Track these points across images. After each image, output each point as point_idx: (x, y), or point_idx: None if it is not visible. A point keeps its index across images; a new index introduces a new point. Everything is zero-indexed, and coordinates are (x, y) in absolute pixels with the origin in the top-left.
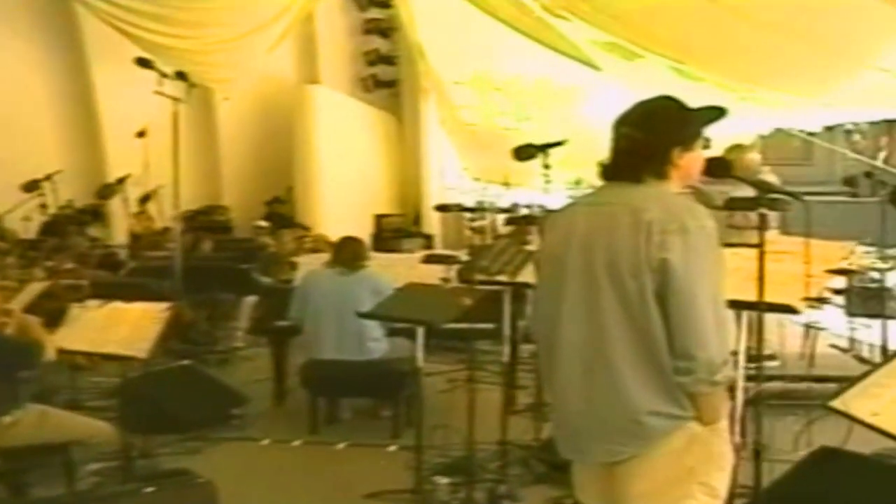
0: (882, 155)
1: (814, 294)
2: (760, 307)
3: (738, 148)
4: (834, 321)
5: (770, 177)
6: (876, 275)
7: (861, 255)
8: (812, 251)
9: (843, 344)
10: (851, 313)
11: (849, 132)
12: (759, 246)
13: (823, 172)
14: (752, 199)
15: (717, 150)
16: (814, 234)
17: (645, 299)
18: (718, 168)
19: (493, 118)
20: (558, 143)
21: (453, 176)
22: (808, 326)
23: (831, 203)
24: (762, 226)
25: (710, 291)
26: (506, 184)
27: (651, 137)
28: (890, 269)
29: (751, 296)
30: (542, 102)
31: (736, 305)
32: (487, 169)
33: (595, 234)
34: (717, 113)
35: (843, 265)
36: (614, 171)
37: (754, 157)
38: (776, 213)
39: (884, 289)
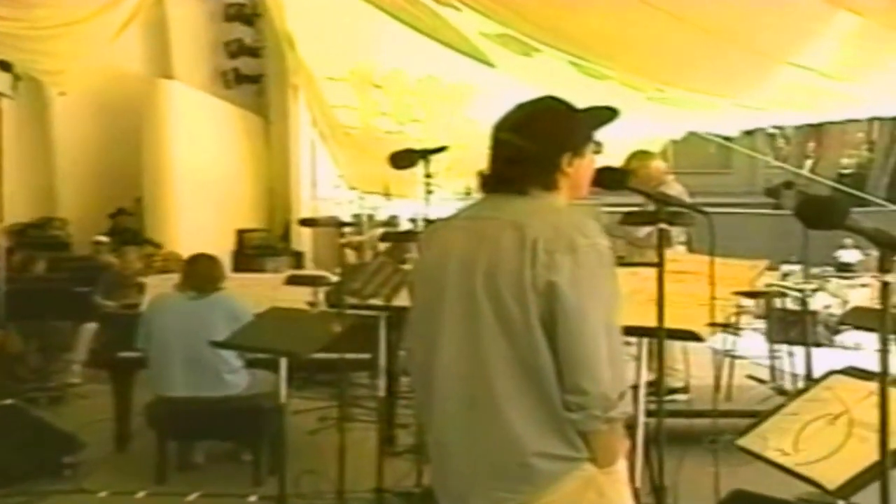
0: (808, 163)
1: (720, 319)
2: (660, 334)
3: (641, 155)
4: (755, 348)
5: (675, 187)
6: (809, 297)
7: (784, 275)
8: (718, 271)
9: (764, 374)
10: (773, 340)
11: (772, 137)
12: (658, 265)
13: (744, 182)
14: (649, 212)
15: (619, 157)
16: (733, 251)
17: (530, 327)
18: (611, 178)
19: (372, 120)
20: (441, 149)
21: (327, 185)
22: (723, 355)
23: (752, 216)
24: (661, 243)
25: (603, 317)
26: (387, 194)
27: (535, 143)
28: (815, 291)
29: (650, 321)
30: (428, 102)
31: (634, 332)
32: (366, 177)
33: (475, 254)
34: (609, 114)
35: (760, 286)
36: (495, 181)
37: (659, 165)
38: (682, 229)
39: (807, 313)
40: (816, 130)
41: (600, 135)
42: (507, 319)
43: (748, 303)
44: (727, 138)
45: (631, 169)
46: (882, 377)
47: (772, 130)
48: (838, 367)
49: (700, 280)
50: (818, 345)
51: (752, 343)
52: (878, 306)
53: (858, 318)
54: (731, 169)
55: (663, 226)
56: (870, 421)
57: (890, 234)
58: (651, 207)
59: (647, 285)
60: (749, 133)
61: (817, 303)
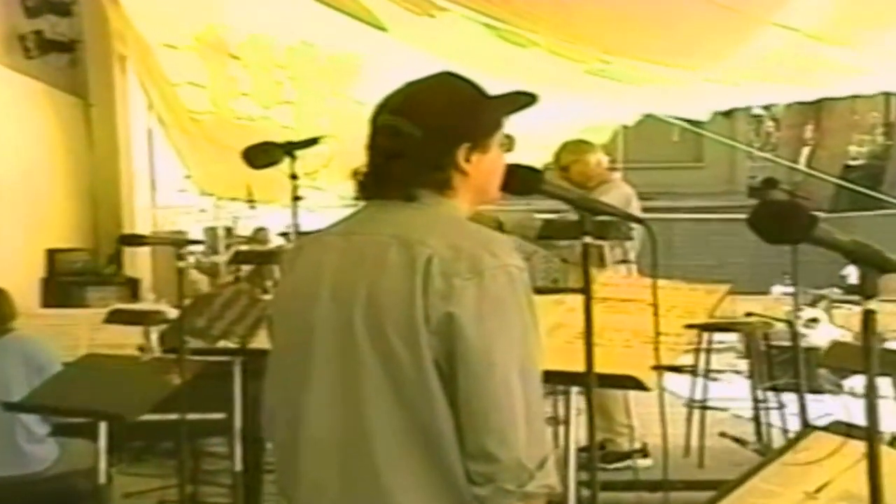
0: (805, 151)
1: (667, 360)
2: (588, 380)
3: (574, 147)
4: (740, 396)
5: (620, 189)
6: (802, 330)
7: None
8: (666, 298)
9: (748, 430)
10: (759, 386)
11: (757, 120)
12: (584, 291)
13: (720, 179)
14: (570, 223)
15: (548, 150)
16: (707, 268)
17: (423, 373)
18: (519, 179)
19: (227, 101)
20: (313, 141)
21: (171, 190)
22: (695, 406)
23: (732, 223)
24: (585, 261)
25: (516, 360)
26: (251, 200)
27: (422, 130)
28: (813, 321)
29: (580, 364)
30: (301, 79)
31: (559, 379)
32: (222, 178)
33: (351, 280)
34: (524, 100)
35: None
36: (375, 183)
37: (599, 159)
38: (633, 243)
39: (805, 350)
40: (815, 110)
41: (520, 125)
42: (394, 364)
43: (729, 339)
44: (696, 123)
45: (563, 165)
46: (870, 434)
47: (757, 111)
48: (822, 421)
49: (644, 310)
50: (819, 391)
51: (736, 389)
52: (859, 341)
53: (837, 358)
54: (703, 162)
55: (588, 240)
56: (861, 493)
57: (872, 249)
58: (574, 216)
59: (575, 318)
60: (726, 115)
61: (819, 336)
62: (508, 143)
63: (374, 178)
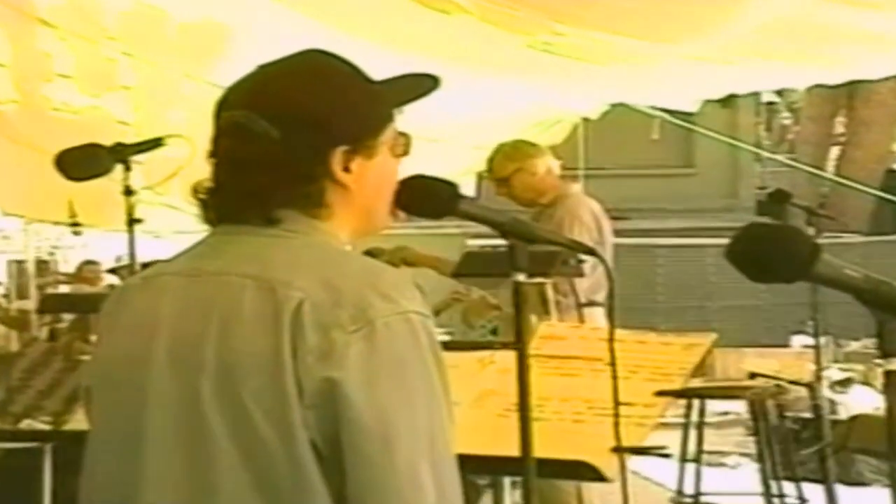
0: (834, 152)
1: (633, 440)
2: (526, 466)
3: (513, 151)
4: (749, 486)
5: (581, 207)
6: (830, 396)
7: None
8: (629, 354)
9: None
10: (771, 474)
11: (769, 109)
12: (518, 347)
13: (717, 189)
14: (493, 255)
15: (479, 154)
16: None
17: (297, 462)
18: (423, 196)
19: (39, 86)
20: (158, 142)
21: None
22: (685, 500)
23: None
24: (518, 308)
25: (425, 441)
26: (74, 224)
27: (286, 131)
28: (846, 384)
29: (514, 447)
30: (143, 56)
31: (485, 465)
32: (33, 193)
33: (196, 336)
34: (422, 84)
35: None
36: (223, 202)
37: (549, 165)
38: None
39: (834, 423)
40: (846, 97)
41: (434, 119)
42: (257, 451)
43: (736, 408)
44: (683, 115)
45: (501, 177)
46: None
47: (769, 98)
48: None
49: (601, 371)
50: (857, 482)
51: (743, 478)
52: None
53: (864, 435)
54: (694, 168)
55: (522, 277)
56: None
57: (892, 287)
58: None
59: (508, 382)
60: (725, 105)
61: (854, 403)
62: (404, 145)
63: (220, 196)
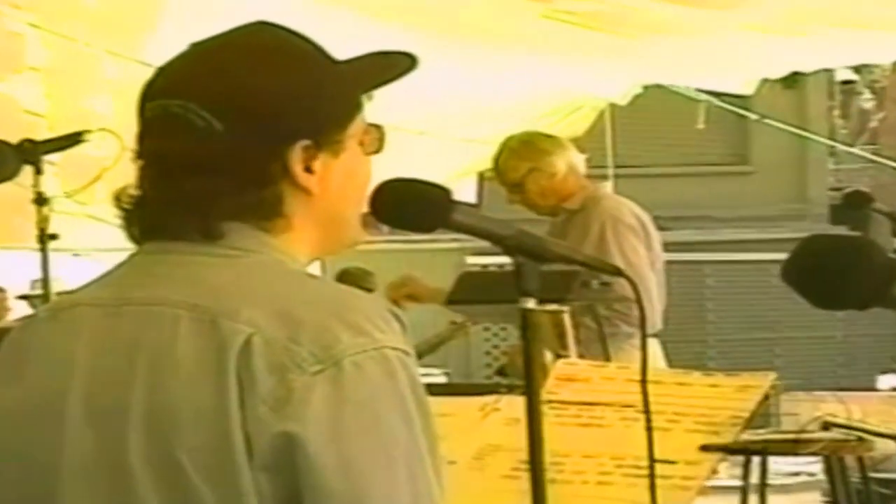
0: None
1: None
2: None
3: (525, 147)
4: None
5: (615, 214)
6: None
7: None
8: (674, 399)
9: None
10: None
11: (846, 90)
12: (528, 391)
13: (781, 191)
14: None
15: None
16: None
17: None
18: (406, 204)
19: None
20: (76, 138)
21: None
22: None
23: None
24: (526, 340)
25: None
26: None
27: (231, 123)
28: None
29: None
30: (56, 29)
31: None
32: None
33: (119, 383)
34: (395, 64)
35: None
36: (152, 214)
37: (571, 163)
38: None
39: None
40: None
41: (422, 106)
42: None
43: (808, 467)
44: (735, 99)
45: (512, 181)
46: None
47: (845, 76)
48: None
49: (633, 421)
50: None
51: None
52: None
53: None
54: (751, 165)
55: (530, 304)
56: None
57: None
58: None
59: (516, 435)
60: (789, 86)
61: None
62: (377, 140)
63: (149, 206)
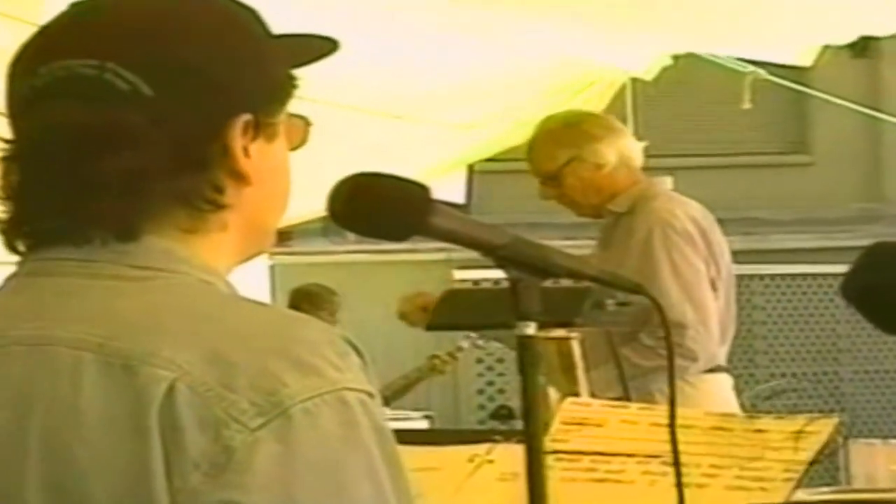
0: None
1: None
2: None
3: (564, 130)
4: None
5: (677, 214)
6: None
7: None
8: (712, 446)
9: None
10: None
11: None
12: (526, 437)
13: (848, 188)
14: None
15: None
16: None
17: None
18: (363, 207)
19: None
20: None
21: None
22: None
23: None
24: (525, 374)
25: None
26: None
27: (166, 87)
28: None
29: None
30: None
31: None
32: None
33: (4, 441)
34: (317, 47)
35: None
36: (44, 215)
37: (626, 151)
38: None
39: None
40: None
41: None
42: None
43: None
44: (788, 72)
45: (547, 172)
46: None
47: None
48: None
49: (660, 476)
50: None
51: None
52: None
53: None
54: (812, 154)
55: (529, 330)
56: None
57: None
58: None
59: (513, 493)
60: (859, 54)
61: None
62: (302, 129)
63: (38, 203)
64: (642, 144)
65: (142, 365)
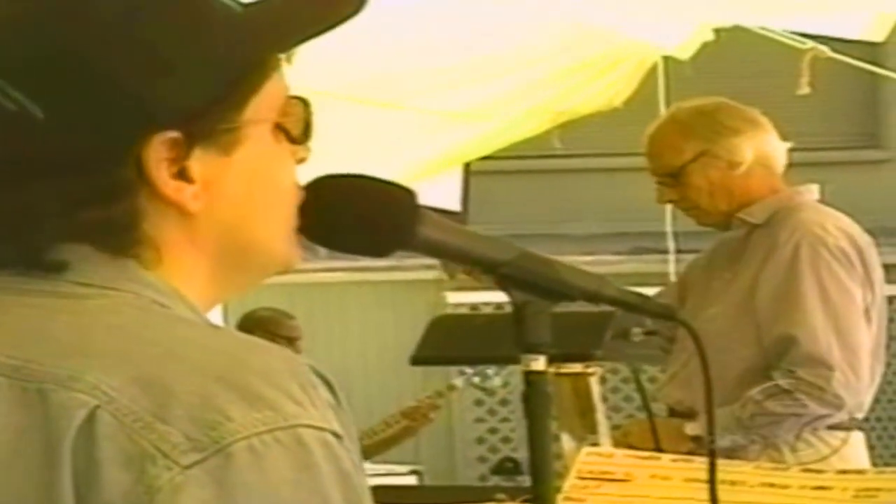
0: None
1: None
2: None
3: (697, 116)
4: None
5: (828, 230)
6: None
7: None
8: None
9: None
10: None
11: None
12: (535, 496)
13: None
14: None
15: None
16: None
17: None
18: (336, 217)
19: None
20: None
21: None
22: None
23: None
24: (532, 421)
25: None
26: None
27: (59, 106)
28: None
29: None
30: None
31: None
32: None
33: None
34: (332, 7)
35: None
36: None
37: (760, 149)
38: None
39: None
40: None
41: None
42: None
43: None
44: (856, 49)
45: (669, 168)
46: None
47: None
48: None
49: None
50: None
51: None
52: None
53: None
54: (887, 148)
55: (537, 364)
56: None
57: None
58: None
59: None
60: None
61: None
62: (303, 121)
63: None
64: (787, 145)
65: (60, 390)
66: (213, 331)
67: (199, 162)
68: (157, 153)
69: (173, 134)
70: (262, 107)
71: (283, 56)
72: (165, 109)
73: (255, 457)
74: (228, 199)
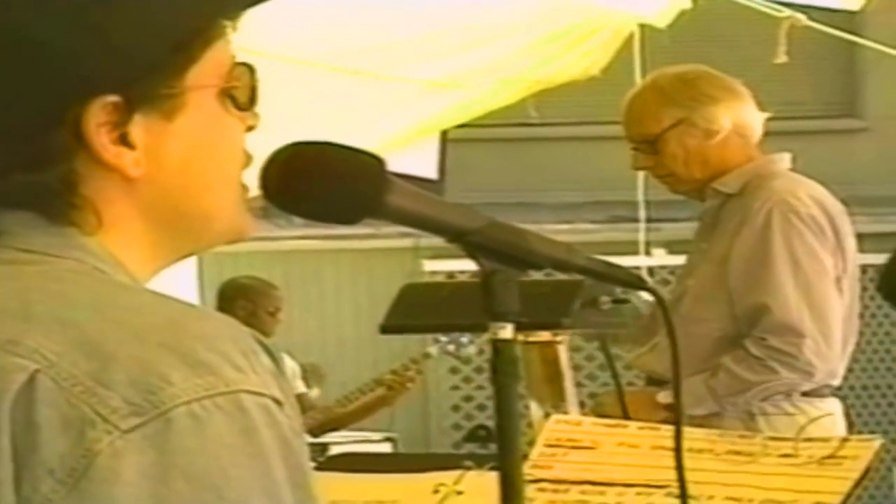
0: None
1: None
2: None
3: (678, 83)
4: None
5: (800, 197)
6: None
7: None
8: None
9: None
10: None
11: None
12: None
13: None
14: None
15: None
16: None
17: None
18: (305, 184)
19: None
20: None
21: None
22: None
23: None
24: (502, 384)
25: None
26: None
27: None
28: None
29: None
30: None
31: None
32: None
33: None
34: None
35: None
36: None
37: (738, 118)
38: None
39: None
40: None
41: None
42: None
43: None
44: (835, 18)
45: (648, 135)
46: None
47: None
48: None
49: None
50: None
51: None
52: None
53: None
54: (862, 118)
55: (504, 332)
56: None
57: None
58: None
59: None
60: None
61: None
62: (249, 87)
63: None
64: (763, 116)
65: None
66: (155, 297)
67: (140, 127)
68: (96, 118)
69: (113, 98)
70: (205, 73)
71: (228, 23)
72: (103, 74)
73: (195, 422)
74: (171, 165)
